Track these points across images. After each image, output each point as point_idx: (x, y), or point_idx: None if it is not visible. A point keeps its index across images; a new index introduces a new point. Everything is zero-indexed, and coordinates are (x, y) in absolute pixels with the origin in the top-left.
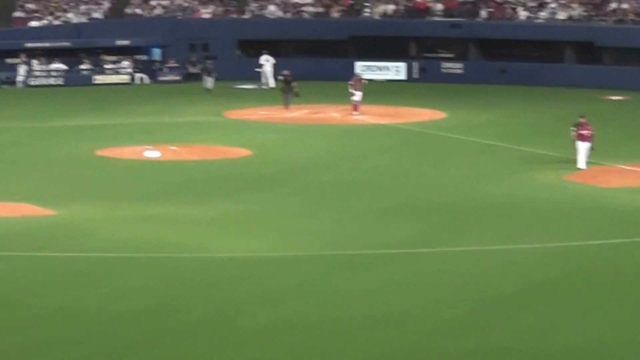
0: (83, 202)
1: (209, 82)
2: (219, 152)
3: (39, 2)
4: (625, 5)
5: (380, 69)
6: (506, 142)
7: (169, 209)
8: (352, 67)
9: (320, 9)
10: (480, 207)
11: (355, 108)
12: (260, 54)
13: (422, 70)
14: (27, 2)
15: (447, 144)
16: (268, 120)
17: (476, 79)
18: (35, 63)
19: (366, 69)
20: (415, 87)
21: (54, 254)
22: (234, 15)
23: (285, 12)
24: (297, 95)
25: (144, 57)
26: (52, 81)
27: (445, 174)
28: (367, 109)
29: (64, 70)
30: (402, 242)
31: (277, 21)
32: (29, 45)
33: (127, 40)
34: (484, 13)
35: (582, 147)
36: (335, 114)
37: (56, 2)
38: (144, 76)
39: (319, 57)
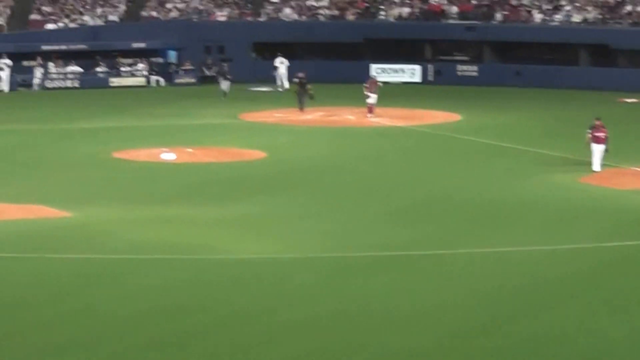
0: (99, 204)
1: (225, 84)
2: (235, 154)
3: (56, 4)
4: None
5: (395, 71)
6: (521, 145)
7: (185, 210)
8: (367, 70)
9: (336, 12)
10: (496, 209)
11: (371, 110)
12: (276, 57)
13: (437, 72)
14: (44, 5)
15: (462, 146)
16: (283, 122)
17: (491, 82)
18: (51, 65)
19: (381, 72)
20: (430, 90)
21: (71, 255)
22: (250, 18)
23: (300, 14)
24: (312, 97)
25: (159, 60)
26: (68, 84)
27: (461, 176)
28: (383, 111)
29: (80, 73)
30: (418, 244)
31: (293, 24)
32: (45, 47)
33: (143, 42)
34: (499, 16)
35: (597, 150)
36: (350, 117)
37: (72, 5)
38: (160, 79)
39: (334, 59)
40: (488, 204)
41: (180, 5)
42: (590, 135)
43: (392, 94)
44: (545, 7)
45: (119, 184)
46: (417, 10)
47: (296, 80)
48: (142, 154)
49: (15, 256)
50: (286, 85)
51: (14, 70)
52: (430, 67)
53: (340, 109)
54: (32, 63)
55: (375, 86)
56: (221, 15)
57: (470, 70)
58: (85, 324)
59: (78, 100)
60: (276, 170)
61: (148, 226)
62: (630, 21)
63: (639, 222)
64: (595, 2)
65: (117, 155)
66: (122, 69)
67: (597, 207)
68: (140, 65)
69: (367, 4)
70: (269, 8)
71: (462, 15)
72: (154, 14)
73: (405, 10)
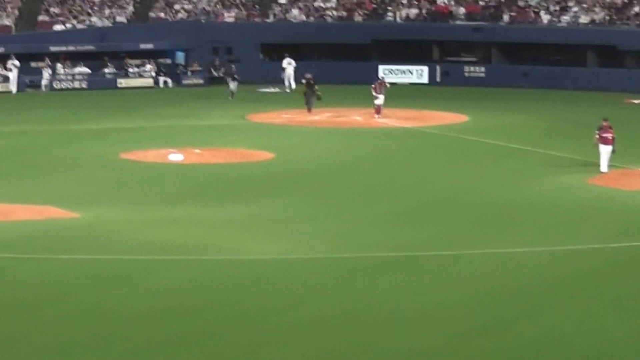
0: (107, 205)
1: (232, 85)
2: (243, 155)
3: (64, 6)
4: None
5: (403, 72)
6: (529, 145)
7: (193, 211)
8: (375, 71)
9: (343, 13)
10: (503, 210)
11: (378, 111)
12: (283, 58)
13: (444, 73)
14: (52, 6)
15: (470, 147)
16: (291, 123)
17: (498, 83)
18: (59, 67)
19: (389, 73)
20: (437, 91)
21: (79, 256)
22: (257, 19)
23: (308, 15)
24: (319, 98)
25: (167, 61)
26: (76, 85)
27: (468, 177)
28: (390, 112)
29: (88, 74)
30: (425, 245)
31: (300, 25)
32: (53, 49)
33: (150, 44)
34: (506, 17)
35: (605, 151)
36: (358, 117)
37: (80, 6)
38: (168, 80)
39: (342, 60)
40: (495, 204)
41: (188, 7)
42: (597, 136)
43: (400, 95)
44: (552, 8)
45: (126, 184)
46: (424, 11)
47: (304, 81)
48: (149, 155)
49: (23, 257)
50: (293, 85)
51: (22, 71)
52: (438, 68)
53: (347, 110)
54: (40, 64)
55: (382, 87)
56: (229, 17)
57: (478, 71)
58: (93, 324)
59: (86, 101)
60: (284, 171)
61: (156, 227)
62: (637, 22)
63: None
64: (602, 3)
65: (125, 156)
66: (130, 70)
67: (604, 208)
68: (148, 67)
69: (374, 5)
70: (276, 9)
71: (469, 16)
72: (162, 15)
73: (413, 12)
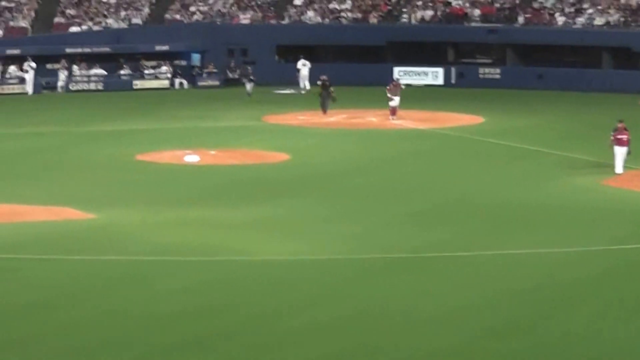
0: (123, 206)
1: (248, 86)
2: (258, 156)
3: (80, 8)
4: None
5: (418, 74)
6: (544, 147)
7: (208, 212)
8: (390, 73)
9: (359, 15)
10: (518, 211)
11: (393, 113)
12: (298, 59)
13: (459, 75)
14: (68, 8)
15: (485, 149)
16: (307, 125)
17: (513, 84)
18: (75, 68)
19: (404, 74)
20: (452, 92)
21: (96, 257)
22: (273, 21)
23: (323, 17)
24: (334, 100)
25: (183, 63)
26: (92, 86)
27: (482, 179)
28: (405, 113)
29: (104, 76)
30: (439, 246)
31: (316, 27)
32: (69, 50)
33: (166, 45)
34: (521, 19)
35: (620, 152)
36: (373, 119)
37: (96, 8)
38: (183, 81)
39: (357, 62)
40: (509, 206)
41: (204, 8)
42: (613, 138)
43: (415, 96)
44: (567, 10)
45: (142, 186)
46: (439, 13)
47: (319, 82)
48: (165, 156)
49: (40, 258)
50: (308, 87)
51: (38, 72)
52: (453, 69)
53: (363, 111)
54: (56, 66)
55: (397, 89)
56: (244, 18)
57: (493, 73)
58: (107, 326)
59: (101, 103)
60: (299, 172)
61: (172, 228)
62: None
63: None
64: (617, 5)
65: (140, 157)
66: (146, 71)
67: (618, 209)
68: (164, 68)
69: (389, 7)
70: (292, 11)
71: (484, 18)
72: (178, 17)
73: (428, 13)
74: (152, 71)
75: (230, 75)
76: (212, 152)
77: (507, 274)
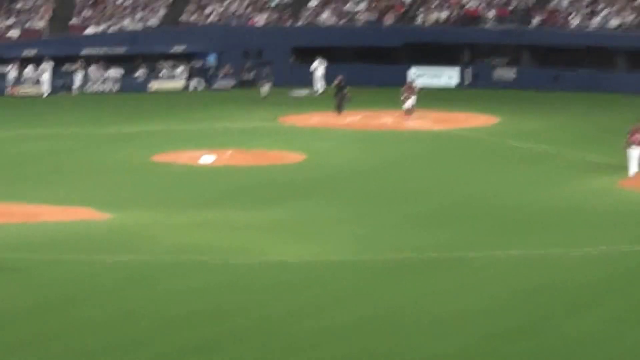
0: (139, 207)
1: (265, 87)
2: (274, 157)
3: (96, 9)
4: None
5: (433, 75)
6: (559, 148)
7: (224, 213)
8: (405, 74)
9: (374, 16)
10: (532, 212)
11: (409, 114)
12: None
13: (474, 76)
14: (84, 10)
15: (500, 150)
16: (322, 126)
17: (528, 86)
18: (91, 69)
19: (419, 75)
20: (467, 93)
21: (111, 258)
22: (288, 23)
23: (338, 19)
24: (349, 100)
25: (198, 64)
26: (107, 87)
27: (497, 179)
28: (421, 114)
29: (120, 77)
30: (452, 247)
31: (331, 28)
32: (85, 52)
33: (182, 47)
34: (536, 20)
35: (635, 154)
36: (388, 120)
37: (112, 10)
38: (199, 82)
39: (372, 63)
40: (523, 207)
41: (219, 10)
42: (629, 139)
43: (430, 97)
44: (582, 11)
45: (158, 187)
46: (454, 14)
47: (334, 83)
48: (181, 157)
49: (55, 258)
50: (323, 88)
51: (54, 74)
52: (468, 70)
53: (378, 112)
54: (72, 67)
55: (413, 90)
56: (260, 20)
57: (508, 74)
58: (122, 327)
59: (117, 104)
60: (315, 173)
61: (187, 229)
62: None
63: None
64: (632, 7)
65: (156, 158)
66: (162, 73)
67: (633, 211)
68: (180, 70)
69: (405, 9)
70: (307, 12)
71: (499, 19)
72: (193, 18)
73: (443, 15)
74: (167, 72)
75: (245, 76)
76: (228, 153)
77: (520, 275)
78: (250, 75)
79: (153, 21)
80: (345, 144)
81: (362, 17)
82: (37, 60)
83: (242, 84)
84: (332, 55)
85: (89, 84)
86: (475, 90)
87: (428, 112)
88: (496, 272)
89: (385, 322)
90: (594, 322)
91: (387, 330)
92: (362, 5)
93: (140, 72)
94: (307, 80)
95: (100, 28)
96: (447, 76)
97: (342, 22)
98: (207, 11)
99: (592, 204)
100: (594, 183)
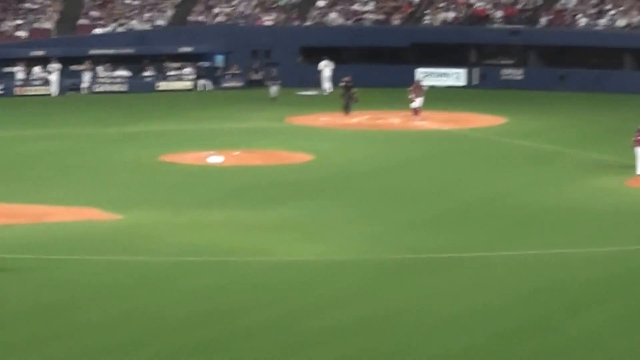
0: (147, 207)
1: (273, 88)
2: (281, 157)
3: (103, 9)
4: None
5: (440, 75)
6: (566, 148)
7: (232, 213)
8: (412, 74)
9: (381, 17)
10: (540, 212)
11: (416, 114)
12: (320, 61)
13: (482, 76)
14: (92, 10)
15: (507, 149)
16: (330, 126)
17: (536, 86)
18: (99, 70)
19: (427, 76)
20: (475, 93)
21: (120, 257)
22: (296, 23)
23: (346, 19)
24: (356, 101)
25: (206, 64)
26: (116, 88)
27: (504, 180)
28: (428, 114)
29: (128, 77)
30: (461, 247)
31: (339, 28)
32: (93, 52)
33: (190, 47)
34: (543, 20)
35: None
36: (396, 120)
37: (120, 10)
38: (207, 83)
39: (380, 64)
40: (531, 207)
41: (227, 10)
42: (635, 139)
43: (437, 97)
44: (589, 11)
45: (166, 187)
46: (462, 14)
47: (342, 84)
48: (189, 157)
49: (64, 258)
50: (331, 88)
51: (62, 74)
52: (475, 71)
53: (386, 112)
54: (80, 67)
55: (420, 90)
56: (267, 20)
57: (515, 74)
58: (133, 326)
59: (126, 104)
60: (322, 173)
61: (196, 229)
62: None
63: None
64: (639, 7)
65: (163, 158)
66: (169, 73)
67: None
68: (187, 70)
69: (412, 9)
70: (315, 13)
71: (507, 19)
72: (201, 18)
73: (451, 15)
74: (175, 73)
75: (253, 76)
76: (236, 153)
77: (528, 275)
78: (258, 75)
79: (161, 21)
80: (353, 144)
81: (370, 17)
82: (45, 61)
83: (250, 84)
84: (340, 56)
85: (97, 84)
86: (483, 90)
87: (435, 113)
88: (501, 272)
89: (388, 322)
90: (596, 322)
91: (390, 330)
92: (369, 6)
93: (148, 73)
94: (315, 79)
95: (108, 28)
96: (455, 76)
97: (349, 22)
98: (215, 11)
99: (599, 203)
100: (601, 182)
